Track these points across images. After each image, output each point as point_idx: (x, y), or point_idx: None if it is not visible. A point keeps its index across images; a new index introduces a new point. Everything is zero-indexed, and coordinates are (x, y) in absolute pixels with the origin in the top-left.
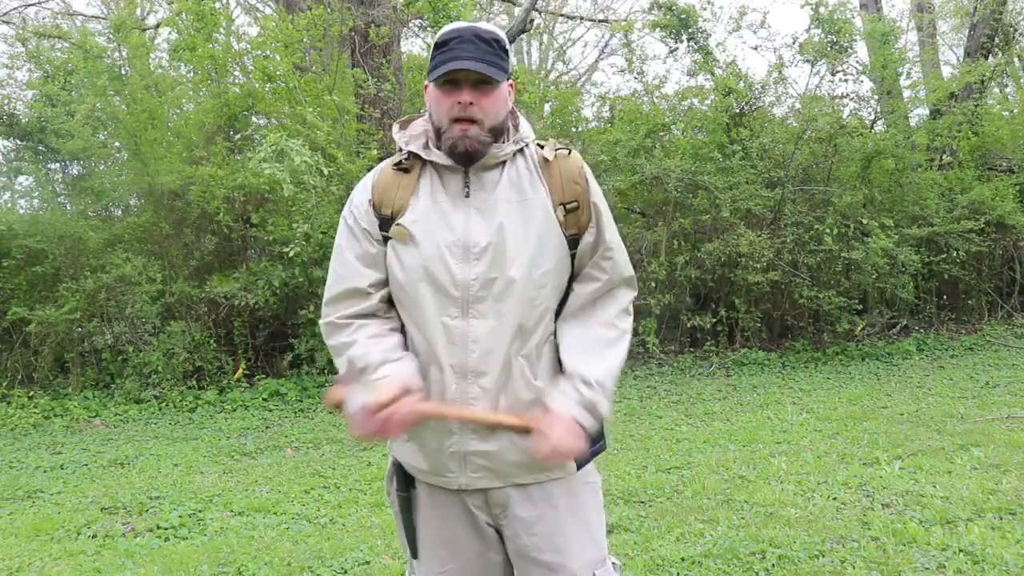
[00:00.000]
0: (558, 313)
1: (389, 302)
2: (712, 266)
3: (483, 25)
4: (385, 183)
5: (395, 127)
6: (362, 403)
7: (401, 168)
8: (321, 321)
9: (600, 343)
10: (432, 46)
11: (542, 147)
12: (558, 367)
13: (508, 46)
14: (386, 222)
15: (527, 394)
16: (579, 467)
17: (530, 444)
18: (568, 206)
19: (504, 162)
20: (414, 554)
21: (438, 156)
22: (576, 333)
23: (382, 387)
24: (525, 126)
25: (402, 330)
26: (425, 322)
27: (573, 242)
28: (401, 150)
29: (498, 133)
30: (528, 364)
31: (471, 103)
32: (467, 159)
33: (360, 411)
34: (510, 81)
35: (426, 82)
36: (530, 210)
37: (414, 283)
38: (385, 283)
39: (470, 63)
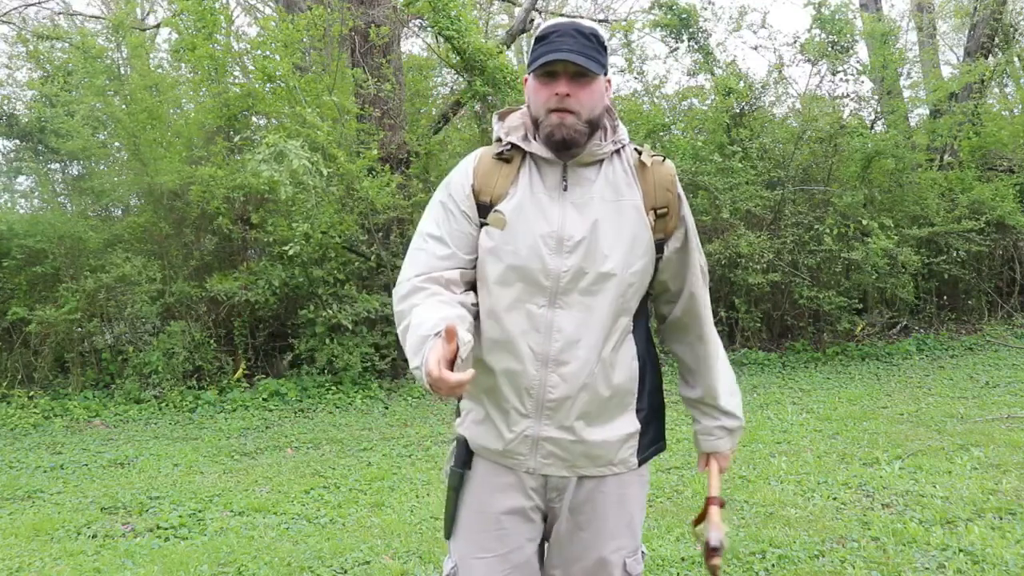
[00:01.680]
0: (636, 318)
1: (469, 285)
2: (712, 266)
3: (584, 21)
4: (486, 170)
5: (494, 118)
6: (436, 358)
7: (502, 158)
8: (396, 288)
9: (727, 375)
10: (533, 40)
11: (639, 152)
12: (634, 368)
13: (607, 42)
14: (484, 208)
15: (605, 391)
16: (639, 463)
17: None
18: (659, 211)
19: (601, 161)
20: (448, 535)
21: (538, 148)
22: (700, 353)
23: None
24: (622, 129)
25: (477, 315)
26: (508, 309)
27: (659, 246)
28: (499, 140)
29: (594, 127)
30: (608, 362)
31: (568, 94)
32: (564, 147)
33: (436, 366)
34: (607, 78)
35: (525, 75)
36: (624, 210)
37: (505, 269)
38: (472, 266)
39: (568, 55)
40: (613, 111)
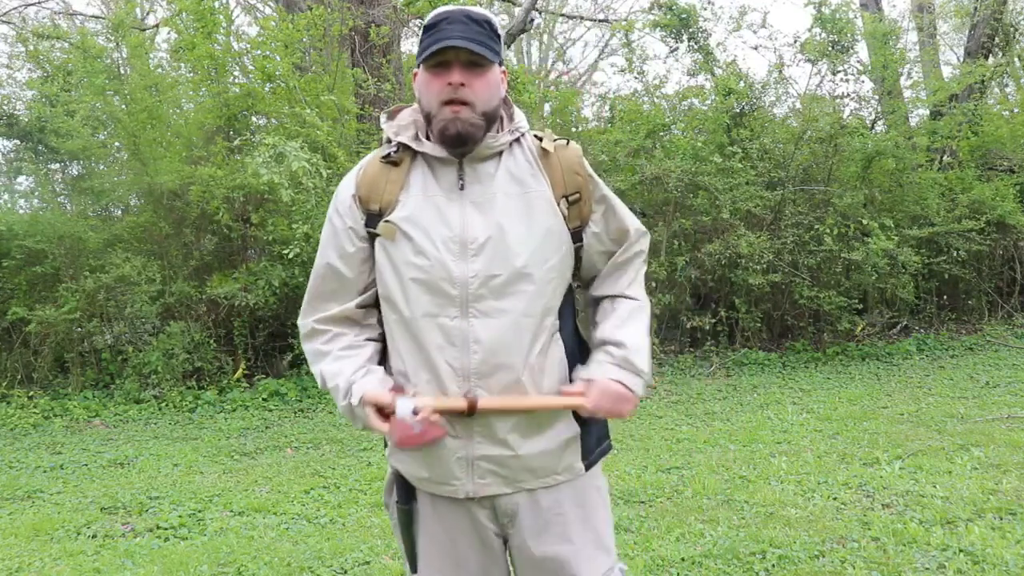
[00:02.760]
0: (562, 315)
1: (371, 306)
2: (712, 266)
3: (474, 8)
4: (372, 177)
5: (382, 117)
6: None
7: (390, 161)
8: (300, 320)
9: (622, 314)
10: (421, 29)
11: (540, 139)
12: (565, 369)
13: (499, 30)
14: (373, 218)
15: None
16: (587, 468)
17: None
18: (571, 198)
19: (500, 153)
20: (414, 569)
21: (430, 147)
22: (600, 309)
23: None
24: (520, 116)
25: (383, 337)
26: (418, 324)
27: (576, 236)
28: (389, 141)
29: (491, 120)
30: (536, 367)
31: (462, 84)
32: (459, 142)
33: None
34: (503, 68)
35: (415, 68)
36: (532, 202)
37: (407, 283)
38: (369, 286)
39: (461, 42)
40: (509, 101)
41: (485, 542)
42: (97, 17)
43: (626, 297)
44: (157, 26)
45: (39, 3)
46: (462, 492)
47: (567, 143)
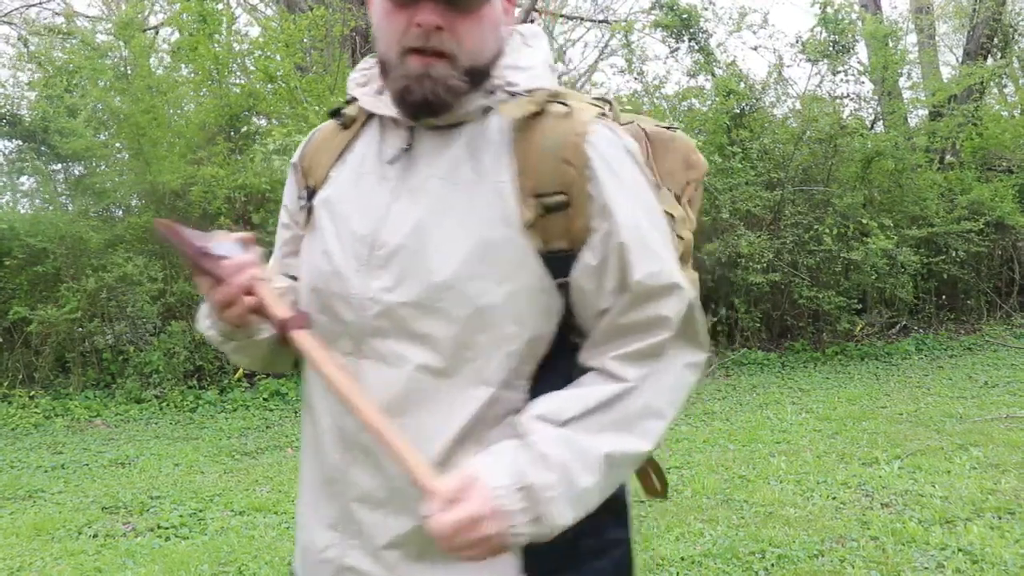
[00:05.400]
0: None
1: None
2: (712, 266)
3: None
4: (318, 143)
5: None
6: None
7: (341, 122)
8: None
9: (581, 394)
10: None
11: (566, 105)
12: None
13: None
14: (312, 196)
15: None
16: None
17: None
18: (546, 200)
19: (467, 121)
20: None
21: (383, 104)
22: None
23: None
24: (527, 63)
25: None
26: None
27: (557, 261)
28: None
29: (478, 78)
30: (454, 463)
31: (439, 27)
32: (425, 111)
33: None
34: None
35: None
36: (476, 198)
37: (308, 292)
38: None
39: None
40: (518, 38)
41: None
42: (99, 18)
43: (608, 374)
44: (158, 27)
45: (40, 4)
46: None
47: (568, 111)
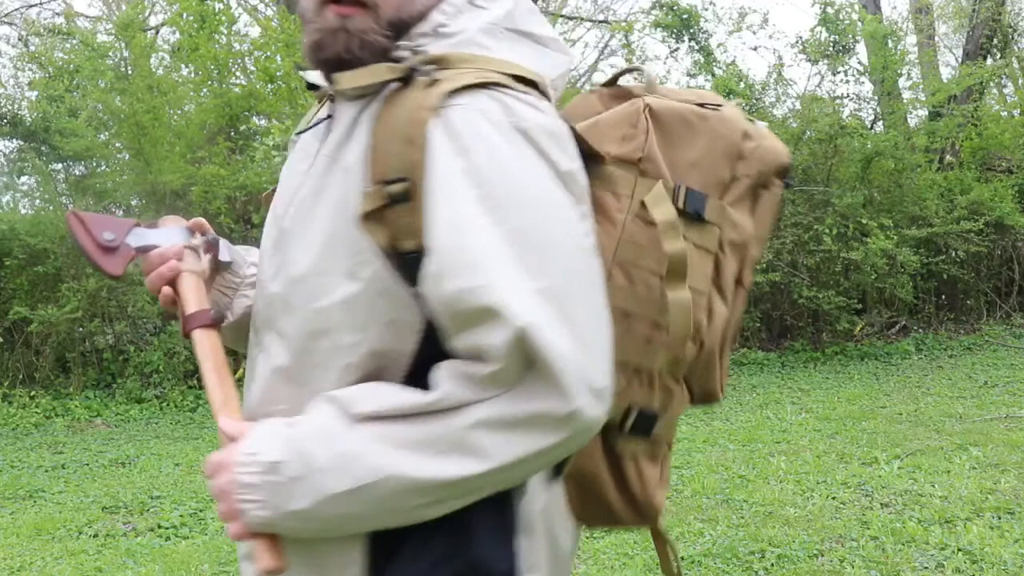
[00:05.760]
0: None
1: None
2: None
3: None
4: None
5: None
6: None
7: (318, 95)
8: None
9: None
10: None
11: (436, 67)
12: None
13: None
14: None
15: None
16: None
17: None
18: (391, 188)
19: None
20: None
21: (317, 74)
22: None
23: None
24: (461, 24)
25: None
26: None
27: (412, 265)
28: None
29: (401, 31)
30: None
31: None
32: (337, 70)
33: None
34: None
35: None
36: (328, 181)
37: None
38: None
39: None
40: None
41: None
42: (99, 18)
43: (435, 383)
44: (158, 28)
45: (41, 4)
46: None
47: (431, 80)
